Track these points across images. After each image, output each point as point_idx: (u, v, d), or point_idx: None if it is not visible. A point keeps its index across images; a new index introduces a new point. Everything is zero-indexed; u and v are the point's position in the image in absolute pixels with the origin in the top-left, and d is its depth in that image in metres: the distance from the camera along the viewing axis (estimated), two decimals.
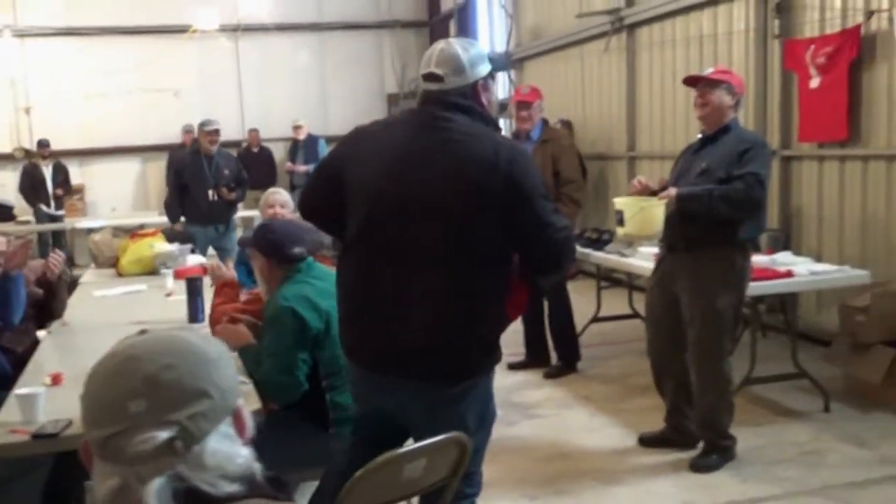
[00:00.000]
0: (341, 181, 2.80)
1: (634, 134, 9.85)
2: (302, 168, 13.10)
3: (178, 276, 5.97)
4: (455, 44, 2.87)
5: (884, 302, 5.47)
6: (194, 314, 4.65)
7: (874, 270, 6.30)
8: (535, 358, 6.74)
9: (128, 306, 5.30)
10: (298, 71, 15.42)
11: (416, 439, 2.66)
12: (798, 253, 6.97)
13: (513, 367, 6.83)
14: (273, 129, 14.50)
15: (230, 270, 4.92)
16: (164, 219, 13.25)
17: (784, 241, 6.93)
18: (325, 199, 2.89)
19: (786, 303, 6.26)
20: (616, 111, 10.22)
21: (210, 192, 8.46)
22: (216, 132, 8.49)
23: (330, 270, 3.90)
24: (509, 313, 2.85)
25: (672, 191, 4.28)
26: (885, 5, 6.31)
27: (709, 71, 4.61)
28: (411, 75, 15.90)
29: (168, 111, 14.47)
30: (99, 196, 14.85)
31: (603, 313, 7.38)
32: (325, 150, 13.27)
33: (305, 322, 3.49)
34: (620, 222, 4.33)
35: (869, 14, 6.41)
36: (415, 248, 2.68)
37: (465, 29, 14.30)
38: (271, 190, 6.19)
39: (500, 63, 12.42)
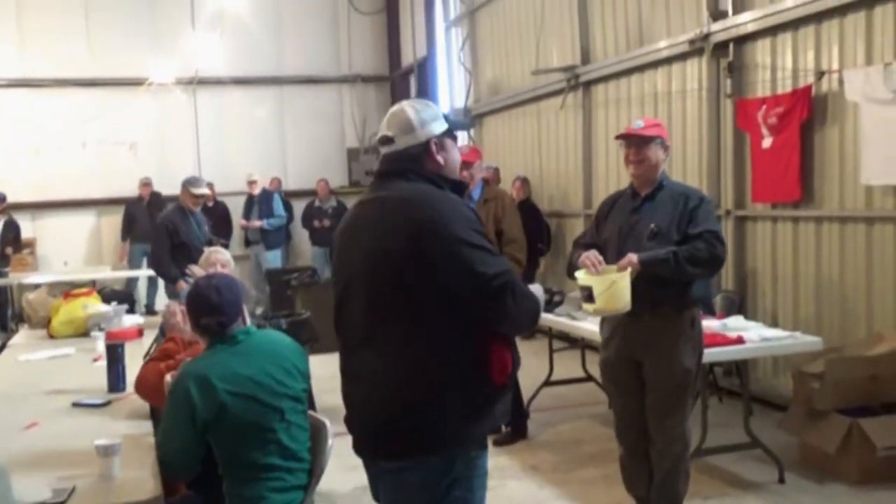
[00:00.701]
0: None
1: (591, 191, 9.75)
2: (256, 224, 12.85)
3: (110, 338, 5.71)
4: (406, 105, 2.78)
5: (838, 368, 5.32)
6: (114, 382, 4.40)
7: (829, 334, 6.20)
8: None
9: (51, 372, 5.04)
10: (257, 124, 15.25)
11: None
12: (753, 315, 6.87)
13: None
14: (231, 184, 14.23)
15: (186, 324, 4.64)
16: (117, 274, 13.11)
17: (738, 303, 6.80)
18: None
19: (741, 367, 6.11)
20: (573, 168, 10.14)
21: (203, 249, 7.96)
22: (205, 197, 8.11)
23: (281, 338, 3.69)
24: (494, 378, 2.59)
25: (633, 258, 4.05)
26: (835, 66, 6.27)
27: (639, 125, 4.33)
28: (372, 130, 15.79)
29: (124, 164, 14.22)
30: (51, 250, 14.46)
31: (556, 376, 7.17)
32: (280, 205, 13.05)
33: (195, 405, 3.20)
34: (589, 298, 4.02)
35: (819, 74, 6.37)
36: (353, 326, 2.67)
37: (426, 84, 14.25)
38: (213, 248, 5.98)
39: (460, 122, 12.37)
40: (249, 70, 15.02)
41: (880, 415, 5.32)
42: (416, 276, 2.51)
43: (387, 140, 2.73)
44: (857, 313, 6.19)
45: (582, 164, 9.81)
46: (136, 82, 14.06)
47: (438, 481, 2.55)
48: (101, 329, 6.00)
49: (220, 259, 5.86)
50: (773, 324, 6.83)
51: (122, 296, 7.27)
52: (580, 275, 4.10)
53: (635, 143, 4.26)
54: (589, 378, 7.16)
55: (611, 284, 3.95)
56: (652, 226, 4.16)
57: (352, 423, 2.71)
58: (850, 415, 5.24)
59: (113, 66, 14.12)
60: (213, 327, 3.40)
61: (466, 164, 6.29)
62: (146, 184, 13.43)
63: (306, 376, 3.58)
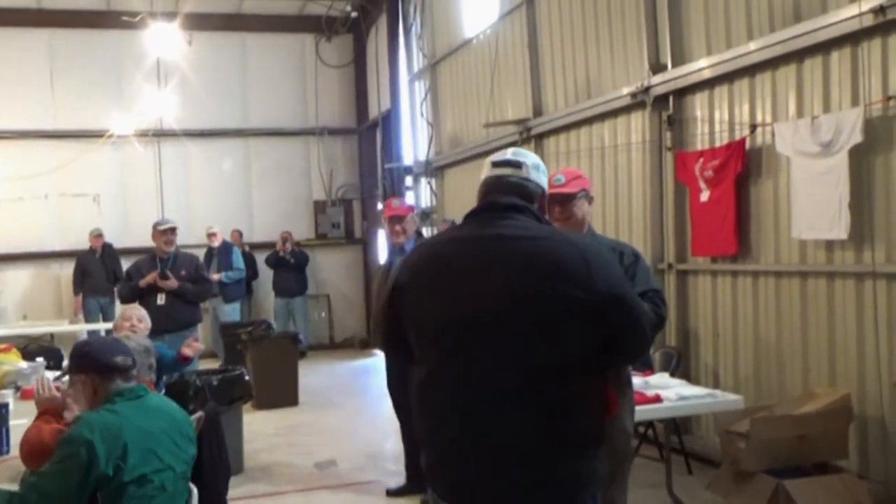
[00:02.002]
0: (407, 309, 2.55)
1: None
2: (215, 277, 12.66)
3: (24, 396, 5.55)
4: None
5: (765, 428, 5.16)
6: None
7: (767, 392, 6.07)
8: (418, 482, 6.31)
9: None
10: (222, 176, 15.17)
11: None
12: (696, 372, 6.75)
13: (391, 493, 6.41)
14: (195, 236, 14.07)
15: (56, 393, 4.50)
16: (75, 327, 12.91)
17: (677, 359, 6.65)
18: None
19: (678, 425, 5.97)
20: None
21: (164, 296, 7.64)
22: (172, 231, 7.93)
23: (169, 405, 3.60)
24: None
25: None
26: (768, 119, 6.21)
27: (561, 180, 4.05)
28: (339, 182, 15.76)
29: (86, 216, 14.08)
30: (10, 302, 14.30)
31: None
32: (239, 258, 12.90)
33: (95, 455, 3.09)
34: None
35: (753, 127, 6.31)
36: (506, 370, 2.37)
37: (391, 136, 14.24)
38: (131, 305, 5.86)
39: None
40: (215, 123, 14.99)
41: (812, 475, 5.17)
42: (590, 319, 2.37)
43: (516, 164, 2.59)
44: (794, 370, 6.06)
45: None
46: (98, 135, 14.03)
47: None
48: (17, 387, 5.85)
49: (136, 314, 5.76)
50: (715, 381, 6.71)
51: (49, 352, 7.07)
52: None
53: (559, 200, 3.95)
54: None
55: None
56: None
57: (469, 470, 2.40)
58: (781, 476, 5.08)
59: (76, 119, 14.12)
60: (125, 365, 3.40)
61: (399, 218, 6.24)
62: (97, 235, 13.26)
63: (194, 443, 3.59)
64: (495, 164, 2.61)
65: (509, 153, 2.64)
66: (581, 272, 2.35)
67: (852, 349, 5.58)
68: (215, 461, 5.17)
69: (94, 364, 3.41)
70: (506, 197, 2.54)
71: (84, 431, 3.15)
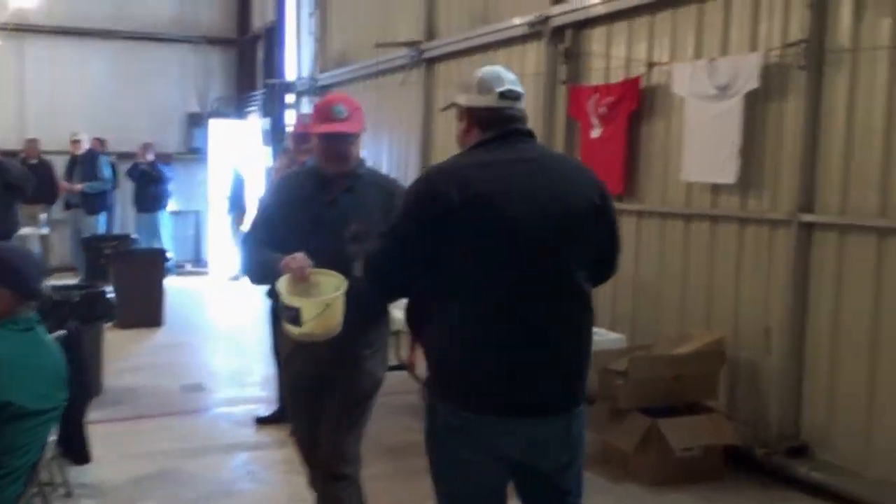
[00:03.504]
0: (462, 226, 2.55)
1: None
2: (77, 186, 11.95)
3: None
4: None
5: (642, 367, 5.20)
6: None
7: (644, 332, 6.12)
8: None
9: None
10: (91, 80, 14.29)
11: (547, 475, 2.69)
12: None
13: (262, 420, 6.21)
14: (59, 142, 13.24)
15: None
16: None
17: None
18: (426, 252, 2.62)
19: None
20: (412, 148, 9.85)
21: None
22: None
23: (52, 343, 3.34)
24: None
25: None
26: (665, 59, 6.15)
27: (344, 113, 3.44)
28: (215, 94, 15.11)
29: None
30: None
31: None
32: (106, 167, 12.19)
33: None
34: (294, 321, 3.21)
35: (650, 66, 6.24)
36: (563, 279, 2.62)
37: (273, 51, 13.70)
38: None
39: None
40: (84, 21, 14.05)
41: (685, 415, 5.25)
42: (596, 232, 2.68)
43: (519, 97, 2.72)
44: (672, 311, 6.12)
45: (421, 144, 9.52)
46: None
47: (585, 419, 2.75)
48: None
49: None
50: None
51: None
52: (283, 289, 3.23)
53: (341, 139, 3.45)
54: (402, 367, 6.87)
55: (325, 308, 3.21)
56: (354, 226, 3.39)
57: (528, 376, 2.58)
58: (654, 415, 5.13)
59: None
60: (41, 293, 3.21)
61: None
62: None
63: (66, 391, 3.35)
64: (505, 96, 2.69)
65: (508, 83, 2.70)
66: (594, 182, 2.74)
67: (730, 293, 5.66)
68: (74, 383, 4.86)
69: (15, 281, 3.11)
70: (522, 125, 2.74)
71: None
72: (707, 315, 5.84)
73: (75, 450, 4.79)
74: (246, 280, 3.66)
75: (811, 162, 5.14)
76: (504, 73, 2.73)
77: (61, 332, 4.50)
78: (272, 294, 3.62)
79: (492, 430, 2.59)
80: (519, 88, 2.72)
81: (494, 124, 2.67)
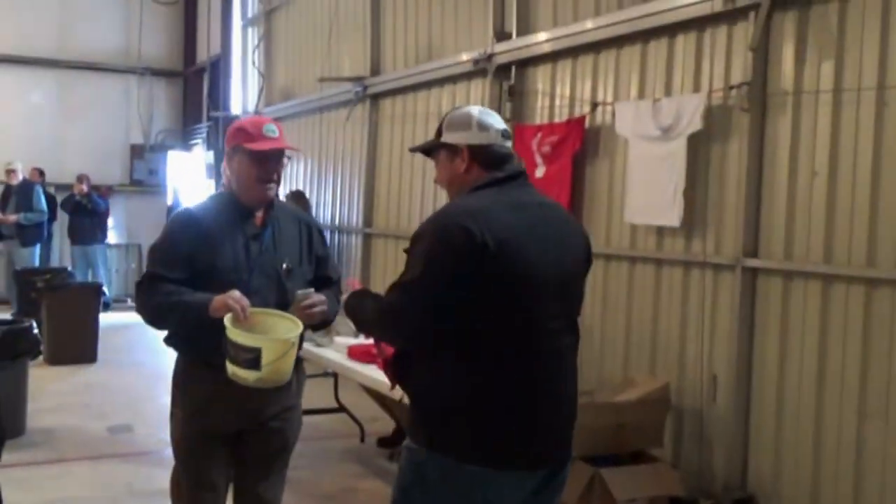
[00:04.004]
0: (491, 269, 2.44)
1: (371, 208, 9.30)
2: (11, 218, 11.54)
3: None
4: None
5: (586, 415, 4.97)
6: None
7: (587, 378, 5.96)
8: None
9: None
10: (31, 109, 13.94)
11: None
12: None
13: None
14: None
15: None
16: None
17: None
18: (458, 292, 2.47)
19: None
20: (355, 184, 9.70)
21: None
22: None
23: None
24: None
25: (315, 302, 3.15)
26: (609, 98, 6.07)
27: (276, 132, 3.22)
28: (159, 127, 14.82)
29: None
30: None
31: (306, 404, 6.59)
32: (41, 198, 11.81)
33: None
34: (253, 364, 2.89)
35: (594, 105, 6.16)
36: (568, 327, 2.63)
37: (218, 83, 13.50)
38: None
39: None
40: (26, 48, 13.72)
41: (628, 464, 5.10)
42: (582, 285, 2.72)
43: (511, 136, 2.73)
44: (616, 355, 5.99)
45: (365, 179, 9.36)
46: None
47: None
48: None
49: None
50: None
51: None
52: (234, 328, 2.91)
53: (276, 157, 3.23)
54: (341, 409, 6.66)
55: (288, 349, 2.94)
56: (285, 263, 3.23)
57: (546, 427, 2.56)
58: (598, 464, 4.96)
59: None
60: None
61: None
62: None
63: None
64: (504, 135, 2.67)
65: (502, 122, 2.70)
66: (582, 228, 2.83)
67: (675, 338, 5.54)
68: None
69: None
70: (520, 165, 2.73)
71: None
72: (651, 360, 5.72)
73: None
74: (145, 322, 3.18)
75: (755, 205, 5.05)
76: (493, 113, 2.72)
77: None
78: (172, 341, 3.27)
79: (502, 484, 2.52)
80: (508, 129, 2.71)
81: (501, 162, 2.63)
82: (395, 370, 2.69)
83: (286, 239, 3.27)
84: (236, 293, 2.98)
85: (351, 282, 3.06)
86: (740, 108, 5.08)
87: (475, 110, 2.67)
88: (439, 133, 2.69)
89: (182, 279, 3.09)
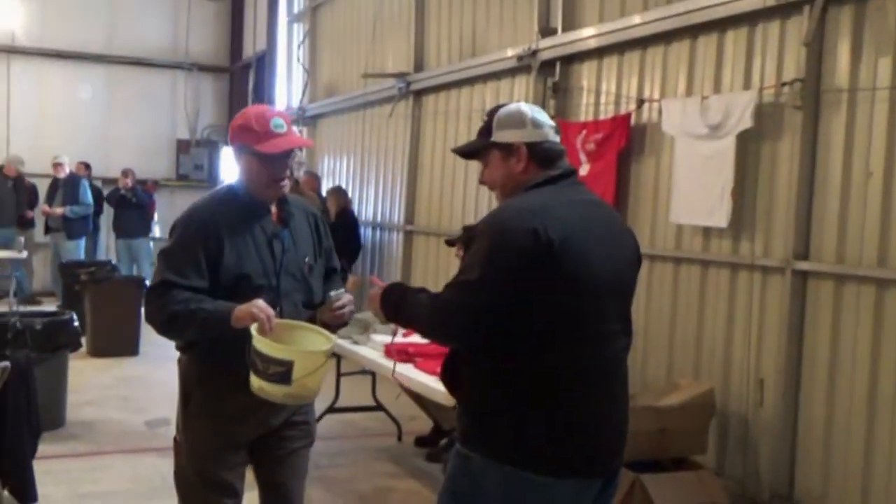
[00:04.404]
0: (551, 270, 2.36)
1: (413, 205, 9.24)
2: (58, 210, 11.67)
3: None
4: None
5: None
6: None
7: (631, 380, 5.84)
8: None
9: None
10: (80, 104, 14.08)
11: None
12: None
13: None
14: (42, 165, 12.94)
15: None
16: None
17: None
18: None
19: None
20: (398, 180, 9.64)
21: None
22: None
23: None
24: None
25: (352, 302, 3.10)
26: (656, 95, 5.93)
27: (284, 127, 3.02)
28: (205, 122, 14.91)
29: None
30: None
31: (343, 402, 6.55)
32: (87, 192, 11.92)
33: None
34: (283, 378, 2.70)
35: (640, 102, 6.02)
36: (623, 329, 2.59)
37: (264, 80, 13.56)
38: None
39: None
40: (75, 44, 13.87)
41: (670, 470, 4.97)
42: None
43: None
44: (659, 359, 5.85)
45: (407, 176, 9.30)
46: None
47: None
48: None
49: None
50: None
51: None
52: (264, 341, 2.71)
53: (287, 154, 3.05)
54: (378, 407, 6.59)
55: (322, 363, 2.76)
56: (307, 259, 3.09)
57: (607, 433, 2.51)
58: (638, 469, 4.84)
59: None
60: None
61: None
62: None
63: None
64: (557, 131, 2.61)
65: (550, 120, 2.61)
66: (629, 228, 2.76)
67: (720, 342, 5.40)
68: (21, 416, 4.59)
69: None
70: (571, 163, 2.66)
71: None
72: (696, 364, 5.57)
73: (20, 488, 4.55)
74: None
75: (806, 206, 4.89)
76: (540, 109, 2.63)
77: (5, 365, 4.26)
78: (188, 348, 3.07)
79: (561, 493, 2.42)
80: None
81: (556, 160, 2.56)
82: (449, 375, 2.59)
83: (302, 235, 3.12)
84: (261, 302, 2.79)
85: (373, 279, 2.92)
86: (793, 106, 4.92)
87: (525, 107, 2.58)
88: (488, 132, 2.57)
89: (200, 287, 2.87)
